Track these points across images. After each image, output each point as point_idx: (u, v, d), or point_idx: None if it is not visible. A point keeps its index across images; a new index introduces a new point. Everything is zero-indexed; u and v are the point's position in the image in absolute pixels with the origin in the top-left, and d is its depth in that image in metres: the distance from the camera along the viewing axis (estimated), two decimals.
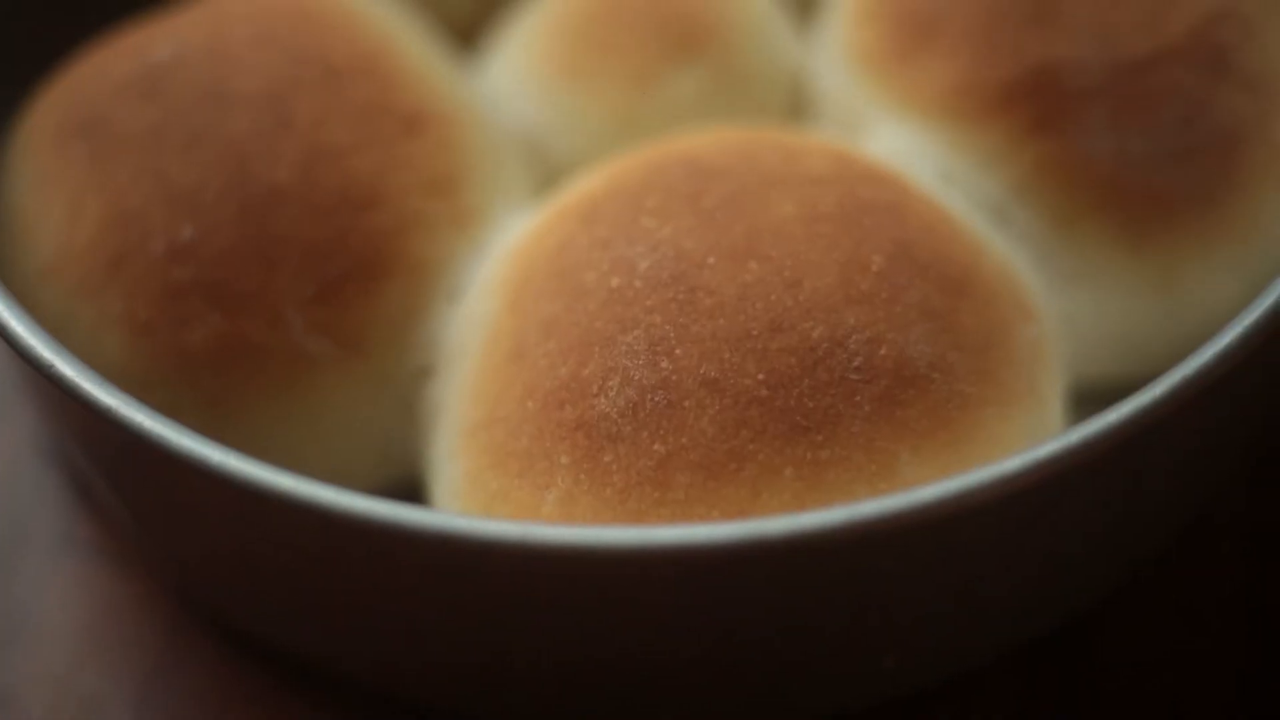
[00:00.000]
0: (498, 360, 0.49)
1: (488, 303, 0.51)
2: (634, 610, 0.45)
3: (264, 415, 0.51)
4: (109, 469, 0.51)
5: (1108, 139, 0.52)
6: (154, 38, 0.54)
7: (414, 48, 0.55)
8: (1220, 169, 0.52)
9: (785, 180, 0.50)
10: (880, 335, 0.47)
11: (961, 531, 0.45)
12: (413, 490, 0.52)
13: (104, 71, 0.54)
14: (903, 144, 0.53)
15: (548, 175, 0.56)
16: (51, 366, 0.47)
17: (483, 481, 0.48)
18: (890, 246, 0.49)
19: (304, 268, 0.50)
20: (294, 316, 0.50)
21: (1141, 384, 0.45)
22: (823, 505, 0.46)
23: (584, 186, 0.52)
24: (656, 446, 0.46)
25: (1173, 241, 0.52)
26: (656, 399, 0.47)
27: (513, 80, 0.57)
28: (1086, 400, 0.52)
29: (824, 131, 0.56)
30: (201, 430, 0.49)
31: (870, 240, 0.49)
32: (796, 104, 0.57)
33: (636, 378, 0.47)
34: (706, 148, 0.51)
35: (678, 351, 0.47)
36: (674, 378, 0.47)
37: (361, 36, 0.54)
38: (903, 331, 0.47)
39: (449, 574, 0.45)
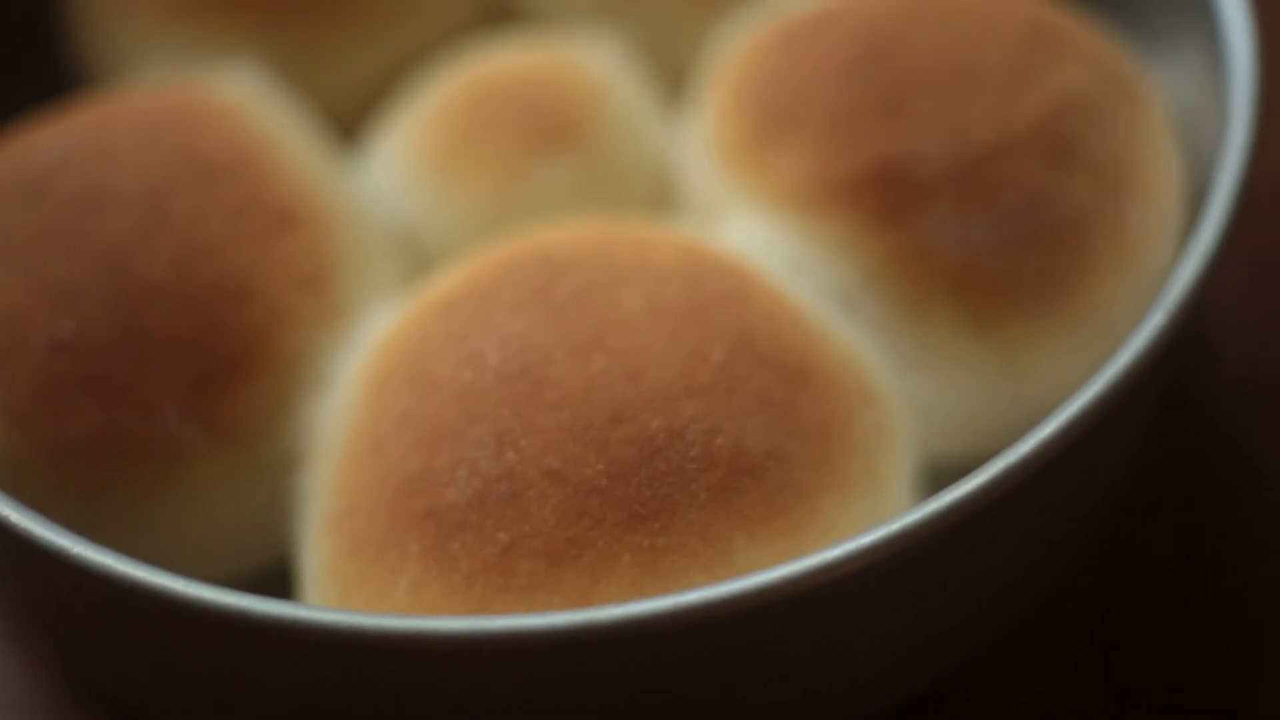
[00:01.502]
0: (358, 451, 0.51)
1: (352, 394, 0.53)
2: (474, 697, 0.47)
3: (141, 504, 0.53)
4: None
5: (953, 229, 0.53)
6: (44, 140, 0.56)
7: (292, 143, 0.57)
8: (1065, 256, 0.53)
9: (634, 275, 0.52)
10: (718, 425, 0.49)
11: (789, 617, 0.47)
12: (286, 576, 0.54)
13: None
14: (757, 234, 0.55)
15: (422, 265, 0.58)
16: None
17: (341, 569, 0.50)
18: (731, 339, 0.50)
19: (179, 361, 0.52)
20: (169, 408, 0.52)
21: None
22: (660, 591, 0.47)
23: (445, 282, 0.54)
24: (500, 535, 0.48)
25: (1018, 327, 0.53)
26: (501, 489, 0.48)
27: (389, 171, 0.59)
28: (954, 474, 0.53)
29: (685, 223, 0.58)
30: (80, 519, 0.51)
31: (712, 333, 0.50)
32: (662, 195, 0.59)
33: (483, 468, 0.49)
34: (561, 243, 0.53)
35: (523, 443, 0.49)
36: (519, 468, 0.49)
37: (240, 133, 0.56)
38: (740, 421, 0.49)
39: (294, 660, 0.47)
